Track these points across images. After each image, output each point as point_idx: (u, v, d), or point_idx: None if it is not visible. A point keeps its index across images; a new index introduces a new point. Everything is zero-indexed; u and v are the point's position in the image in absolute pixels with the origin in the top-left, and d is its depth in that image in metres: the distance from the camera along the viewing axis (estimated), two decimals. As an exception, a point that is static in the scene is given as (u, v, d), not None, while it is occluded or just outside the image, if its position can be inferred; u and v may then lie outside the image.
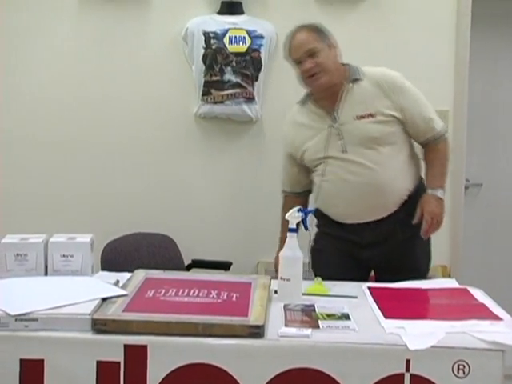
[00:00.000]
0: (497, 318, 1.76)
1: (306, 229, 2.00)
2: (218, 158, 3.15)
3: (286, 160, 2.48)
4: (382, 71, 2.29)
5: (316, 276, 2.09)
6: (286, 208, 2.28)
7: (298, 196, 2.46)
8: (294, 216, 1.93)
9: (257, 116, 3.07)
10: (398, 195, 2.27)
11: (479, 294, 1.99)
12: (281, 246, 1.99)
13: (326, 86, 2.25)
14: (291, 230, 1.91)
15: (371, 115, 2.21)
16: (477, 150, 3.29)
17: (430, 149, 2.32)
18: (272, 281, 2.00)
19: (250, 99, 3.05)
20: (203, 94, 3.04)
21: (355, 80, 2.27)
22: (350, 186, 2.24)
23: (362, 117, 2.22)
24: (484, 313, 1.79)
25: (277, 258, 2.11)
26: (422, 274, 2.33)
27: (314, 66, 2.23)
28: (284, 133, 2.47)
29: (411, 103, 2.26)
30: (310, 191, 2.46)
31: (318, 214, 2.38)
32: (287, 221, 1.93)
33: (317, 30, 2.29)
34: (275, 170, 3.13)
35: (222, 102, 3.03)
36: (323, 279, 2.06)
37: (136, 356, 1.53)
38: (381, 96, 2.24)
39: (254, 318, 1.65)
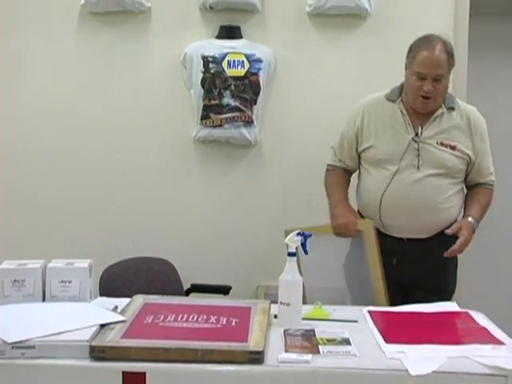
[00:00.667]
0: (499, 342, 1.75)
1: (306, 253, 1.98)
2: (216, 182, 3.16)
3: (344, 138, 2.48)
4: (474, 110, 2.42)
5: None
6: (333, 176, 2.49)
7: (346, 172, 2.52)
8: (293, 240, 1.91)
9: (255, 139, 3.09)
10: (448, 221, 2.37)
11: (480, 318, 1.98)
12: (339, 207, 2.33)
13: (431, 110, 2.33)
14: (290, 254, 1.90)
15: (452, 147, 2.32)
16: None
17: (480, 189, 2.43)
18: (272, 305, 1.98)
19: (248, 123, 3.06)
20: (202, 118, 3.06)
21: (450, 108, 2.35)
22: (412, 201, 2.30)
23: (444, 144, 2.32)
24: (485, 337, 1.79)
25: (333, 220, 2.35)
26: (449, 295, 2.39)
27: (433, 91, 2.27)
28: (354, 112, 2.44)
29: (485, 152, 2.40)
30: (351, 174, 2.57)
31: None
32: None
33: (451, 54, 2.29)
34: (274, 194, 3.18)
35: (220, 126, 3.05)
36: None
37: (135, 383, 1.52)
38: (466, 133, 2.35)
39: (253, 343, 1.64)
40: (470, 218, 2.34)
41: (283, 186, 3.15)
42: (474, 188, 2.45)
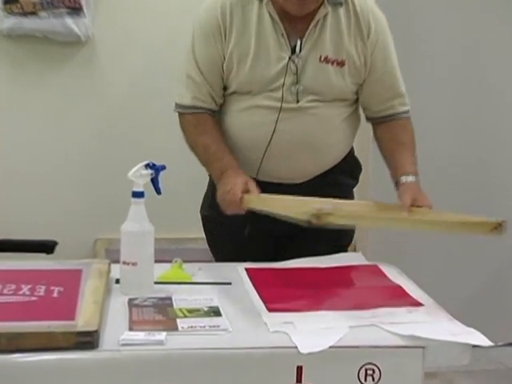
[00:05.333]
0: (416, 303, 1.80)
1: (159, 192, 1.96)
2: (31, 95, 3.10)
3: (201, 61, 2.32)
4: (371, 4, 2.30)
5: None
6: (201, 128, 2.31)
7: (213, 115, 2.38)
8: (139, 174, 1.88)
9: (87, 35, 3.05)
10: (334, 159, 2.39)
11: (393, 273, 2.03)
12: (222, 175, 2.16)
13: (310, 11, 2.21)
14: (136, 195, 1.87)
15: (340, 63, 2.26)
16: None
17: (396, 124, 2.39)
18: (113, 266, 1.98)
19: (75, 10, 3.02)
20: (6, 2, 2.98)
21: (336, 4, 2.25)
22: (292, 139, 2.28)
23: (328, 61, 2.24)
24: (399, 297, 1.82)
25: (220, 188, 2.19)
26: (344, 245, 2.42)
27: None
28: (208, 16, 2.29)
29: (389, 66, 2.33)
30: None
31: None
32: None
33: None
34: (115, 111, 3.15)
35: (34, 14, 3.02)
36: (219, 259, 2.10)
37: None
38: (359, 39, 2.27)
39: (83, 321, 1.60)
40: (410, 178, 2.30)
41: (126, 100, 3.14)
42: (385, 124, 2.42)
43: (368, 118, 2.45)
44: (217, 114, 2.37)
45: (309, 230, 2.10)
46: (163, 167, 1.96)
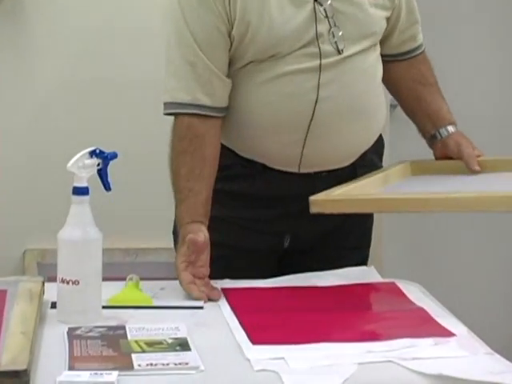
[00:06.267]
0: (445, 332, 1.78)
1: (108, 188, 1.95)
2: None
3: (201, 31, 2.28)
4: None
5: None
6: (199, 142, 2.29)
7: (219, 118, 2.33)
8: (82, 165, 1.85)
9: None
10: (380, 126, 2.43)
11: (416, 292, 2.02)
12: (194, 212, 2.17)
13: None
14: (79, 192, 1.85)
15: None
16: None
17: (418, 60, 2.48)
18: (47, 285, 1.95)
19: None
20: None
21: None
22: (339, 106, 2.29)
23: None
24: (424, 324, 1.82)
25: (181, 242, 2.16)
26: (364, 256, 2.48)
27: None
28: None
29: None
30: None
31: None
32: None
33: None
34: (48, 93, 3.17)
35: None
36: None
37: None
38: None
39: (8, 358, 1.57)
40: (451, 128, 2.42)
41: (63, 68, 3.25)
42: (406, 62, 2.47)
43: (383, 56, 2.43)
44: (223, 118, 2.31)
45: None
46: (114, 155, 1.93)
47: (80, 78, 3.40)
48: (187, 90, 2.26)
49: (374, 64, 2.34)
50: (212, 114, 2.27)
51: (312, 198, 2.05)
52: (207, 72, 2.24)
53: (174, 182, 2.26)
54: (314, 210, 2.01)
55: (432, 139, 2.38)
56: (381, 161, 2.50)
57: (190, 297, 2.03)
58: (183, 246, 2.13)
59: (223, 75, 2.27)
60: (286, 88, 2.26)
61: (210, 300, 2.05)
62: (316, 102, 2.25)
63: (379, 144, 2.46)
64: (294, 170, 2.29)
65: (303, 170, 2.29)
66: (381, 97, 2.39)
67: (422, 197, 2.09)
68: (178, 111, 2.26)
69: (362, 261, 2.42)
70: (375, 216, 2.56)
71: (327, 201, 2.03)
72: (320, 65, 2.23)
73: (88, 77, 3.40)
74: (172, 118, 2.30)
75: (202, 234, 2.11)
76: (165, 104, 2.27)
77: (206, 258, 2.11)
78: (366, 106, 2.32)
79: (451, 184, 2.29)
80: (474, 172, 2.35)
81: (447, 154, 2.40)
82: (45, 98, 3.37)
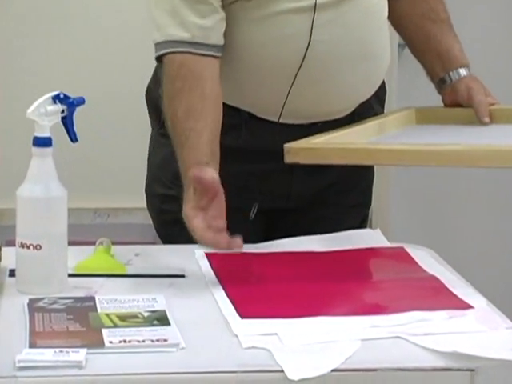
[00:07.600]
0: (461, 304, 1.74)
1: (74, 139, 1.91)
2: None
3: None
4: None
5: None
6: (192, 81, 2.24)
7: (215, 58, 2.31)
8: (43, 111, 1.81)
9: None
10: (383, 72, 2.43)
11: (428, 258, 2.01)
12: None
13: None
14: (40, 143, 1.82)
15: None
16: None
17: None
18: (4, 250, 1.96)
19: None
20: None
21: None
22: (334, 49, 2.29)
23: None
24: (436, 295, 1.79)
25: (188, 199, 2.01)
26: (364, 215, 2.51)
27: None
28: None
29: None
30: None
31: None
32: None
33: None
34: None
35: None
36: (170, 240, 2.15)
37: None
38: None
39: None
40: (463, 71, 2.42)
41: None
42: None
43: None
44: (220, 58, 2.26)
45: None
46: (81, 101, 1.90)
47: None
48: (184, 27, 2.27)
49: (378, 1, 2.32)
50: (208, 52, 2.28)
51: (286, 145, 1.97)
52: (204, 6, 2.26)
53: (172, 128, 2.22)
54: (288, 159, 1.95)
55: (441, 83, 2.37)
56: (382, 108, 2.50)
57: (207, 248, 2.00)
58: (189, 189, 2.03)
59: (218, 5, 2.28)
60: (276, 29, 2.26)
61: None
62: (308, 44, 2.24)
63: (381, 90, 2.46)
64: (274, 119, 2.30)
65: (284, 120, 2.29)
66: (386, 39, 2.36)
67: (402, 148, 2.06)
68: (173, 50, 2.25)
69: (362, 221, 2.44)
70: (381, 173, 2.55)
71: (302, 149, 1.97)
72: (315, 4, 2.19)
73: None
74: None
75: (209, 172, 1.99)
76: (157, 45, 2.24)
77: (219, 205, 1.98)
78: (369, 51, 2.31)
79: (456, 136, 2.26)
80: (482, 123, 2.33)
81: (457, 101, 2.39)
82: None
